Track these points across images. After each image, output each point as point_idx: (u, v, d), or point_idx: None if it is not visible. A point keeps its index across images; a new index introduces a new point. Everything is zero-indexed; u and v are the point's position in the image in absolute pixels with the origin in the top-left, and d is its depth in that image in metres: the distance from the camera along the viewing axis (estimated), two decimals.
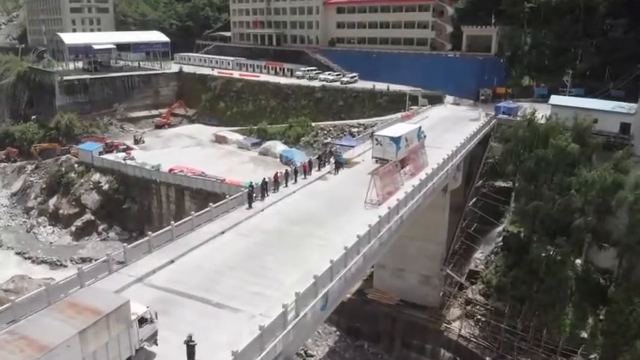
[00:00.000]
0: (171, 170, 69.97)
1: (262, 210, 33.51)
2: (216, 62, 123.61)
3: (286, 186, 38.11)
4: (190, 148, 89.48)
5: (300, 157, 76.86)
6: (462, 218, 58.06)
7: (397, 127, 47.44)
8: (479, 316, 52.39)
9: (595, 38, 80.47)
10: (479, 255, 60.52)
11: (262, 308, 21.91)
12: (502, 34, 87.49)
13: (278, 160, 79.39)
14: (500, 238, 58.97)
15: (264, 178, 36.45)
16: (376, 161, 43.18)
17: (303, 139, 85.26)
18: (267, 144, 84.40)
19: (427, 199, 39.50)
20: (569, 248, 48.21)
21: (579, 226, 45.88)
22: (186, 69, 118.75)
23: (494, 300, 51.92)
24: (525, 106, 59.11)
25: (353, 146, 45.79)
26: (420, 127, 47.34)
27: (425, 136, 49.04)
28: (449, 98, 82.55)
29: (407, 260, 52.97)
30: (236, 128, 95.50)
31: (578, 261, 50.29)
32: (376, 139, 42.64)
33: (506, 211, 61.17)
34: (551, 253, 48.77)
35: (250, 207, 33.33)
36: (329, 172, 42.15)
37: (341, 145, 46.90)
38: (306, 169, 41.04)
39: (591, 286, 49.44)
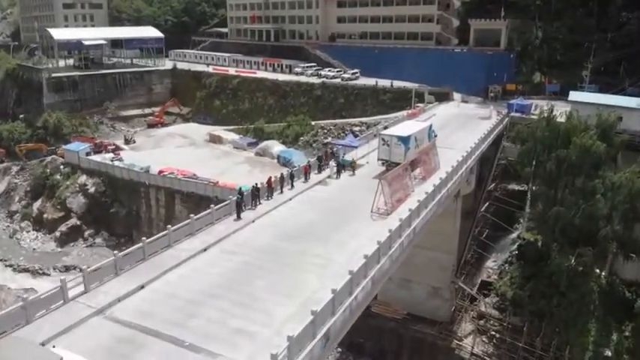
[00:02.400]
0: (160, 172, 65.60)
1: (253, 221, 28.99)
2: (212, 59, 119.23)
3: (281, 192, 33.61)
4: (183, 148, 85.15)
5: (298, 157, 72.63)
6: (474, 225, 53.57)
7: (405, 125, 42.95)
8: (493, 332, 48.13)
9: (609, 32, 76.04)
10: (491, 264, 56.16)
11: (246, 352, 17.51)
12: (512, 28, 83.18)
13: (275, 161, 75.11)
14: (515, 246, 54.66)
15: (256, 184, 32.01)
16: (382, 164, 38.79)
17: (302, 138, 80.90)
18: (264, 144, 80.00)
19: (440, 207, 35.08)
20: (592, 259, 44.05)
21: (606, 235, 41.49)
22: (181, 66, 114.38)
23: (511, 315, 47.63)
24: (541, 104, 54.67)
25: (356, 147, 41.28)
26: (430, 126, 42.93)
27: (436, 136, 44.68)
28: (457, 95, 78.13)
29: (414, 270, 48.42)
30: (232, 127, 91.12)
31: (601, 272, 46.08)
32: (382, 139, 38.17)
33: (521, 216, 56.91)
34: (573, 263, 44.59)
35: (239, 218, 28.85)
36: (329, 176, 37.69)
37: (342, 145, 42.36)
38: (307, 172, 36.66)
39: (616, 300, 45.48)
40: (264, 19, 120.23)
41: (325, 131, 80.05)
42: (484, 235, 56.54)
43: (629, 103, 47.81)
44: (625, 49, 70.67)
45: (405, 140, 37.09)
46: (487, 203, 56.56)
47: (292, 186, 34.93)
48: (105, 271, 22.46)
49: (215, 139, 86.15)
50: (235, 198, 28.93)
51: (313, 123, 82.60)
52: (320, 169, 38.62)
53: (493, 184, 58.64)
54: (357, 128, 76.22)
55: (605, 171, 43.07)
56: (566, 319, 43.42)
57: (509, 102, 65.26)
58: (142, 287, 22.00)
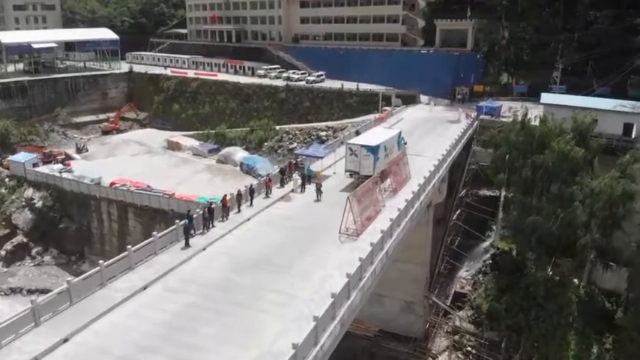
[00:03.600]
0: (112, 184, 60.95)
1: (204, 249, 25.34)
2: (171, 61, 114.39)
3: (239, 211, 30.06)
4: (139, 156, 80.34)
5: (262, 164, 69.16)
6: (446, 234, 51.08)
7: (373, 133, 39.94)
8: (469, 348, 45.70)
9: (576, 32, 74.97)
10: (464, 273, 53.85)
11: None
12: (478, 28, 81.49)
13: (238, 168, 71.36)
14: (489, 255, 52.55)
15: (209, 204, 28.39)
16: (350, 175, 35.72)
17: (266, 144, 77.35)
18: (226, 150, 76.06)
19: (413, 222, 32.19)
20: (571, 268, 42.03)
21: (586, 244, 39.43)
22: (138, 69, 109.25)
23: (487, 329, 45.31)
24: (514, 106, 52.69)
25: (321, 157, 38.03)
26: (400, 133, 40.00)
27: (405, 143, 41.89)
28: (424, 98, 75.91)
29: (386, 285, 45.06)
30: (191, 133, 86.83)
31: (579, 281, 44.15)
32: (350, 149, 35.01)
33: (494, 223, 54.80)
34: (551, 274, 42.51)
35: (187, 245, 25.20)
36: (293, 190, 34.35)
37: (307, 155, 39.01)
38: (268, 187, 33.25)
39: (595, 311, 43.57)
40: (224, 19, 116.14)
41: (290, 136, 76.69)
42: (456, 244, 54.16)
43: (604, 105, 45.98)
44: (593, 48, 69.48)
45: (373, 150, 34.08)
46: (458, 211, 54.16)
47: (252, 203, 31.51)
48: (22, 322, 18.61)
49: (173, 146, 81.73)
50: (183, 223, 25.21)
51: (278, 127, 79.16)
52: (282, 183, 35.21)
53: (464, 191, 56.34)
54: (323, 133, 73.19)
55: (583, 177, 40.98)
56: (544, 332, 41.31)
57: (479, 104, 63.24)
58: (66, 340, 18.25)
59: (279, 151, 75.17)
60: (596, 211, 40.07)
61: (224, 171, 71.17)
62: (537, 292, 41.62)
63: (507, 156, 43.54)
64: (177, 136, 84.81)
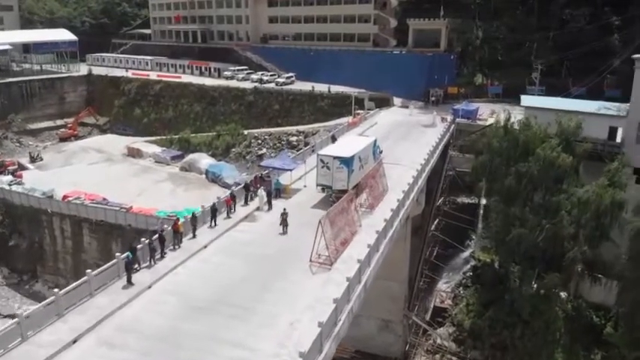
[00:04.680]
0: (65, 197, 56.23)
1: (149, 287, 21.50)
2: (133, 62, 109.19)
3: (194, 236, 26.28)
4: (97, 164, 75.42)
5: (229, 172, 65.37)
6: (425, 246, 48.17)
7: (347, 142, 36.40)
8: None
9: (552, 31, 73.23)
10: (443, 286, 51.10)
11: None
12: (451, 28, 79.08)
13: (203, 176, 67.32)
14: (469, 267, 49.95)
15: (160, 232, 24.48)
16: (322, 189, 32.32)
17: (233, 150, 73.42)
18: (190, 157, 71.85)
19: (392, 242, 28.98)
20: (558, 282, 39.55)
21: (574, 257, 36.92)
22: (98, 71, 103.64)
23: (470, 348, 42.48)
24: (496, 110, 50.20)
25: (290, 170, 34.46)
26: (375, 141, 36.73)
27: (381, 152, 38.74)
28: (397, 100, 73.16)
29: (363, 304, 42.23)
30: (153, 138, 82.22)
31: (568, 295, 41.75)
32: (321, 161, 31.52)
33: (473, 232, 52.26)
34: (535, 287, 40.01)
35: (130, 283, 21.40)
36: (259, 208, 30.74)
37: (274, 168, 35.35)
38: (230, 206, 29.54)
39: (583, 326, 41.32)
40: (189, 19, 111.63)
41: (259, 142, 72.93)
42: (434, 255, 51.34)
43: (587, 108, 43.56)
44: (569, 48, 67.61)
45: (347, 162, 30.72)
46: (436, 220, 51.34)
47: (212, 224, 27.77)
48: None
49: (134, 153, 77.04)
50: (125, 256, 21.35)
51: (246, 132, 75.29)
52: (247, 200, 31.54)
53: (441, 199, 53.54)
54: (294, 138, 69.74)
55: (570, 185, 38.49)
56: (531, 351, 38.87)
57: (454, 107, 60.59)
58: None
59: (247, 157, 71.37)
60: (584, 222, 37.70)
61: (188, 180, 67.05)
62: (522, 309, 39.18)
63: (489, 163, 40.70)
64: (139, 143, 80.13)
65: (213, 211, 28.32)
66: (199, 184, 65.11)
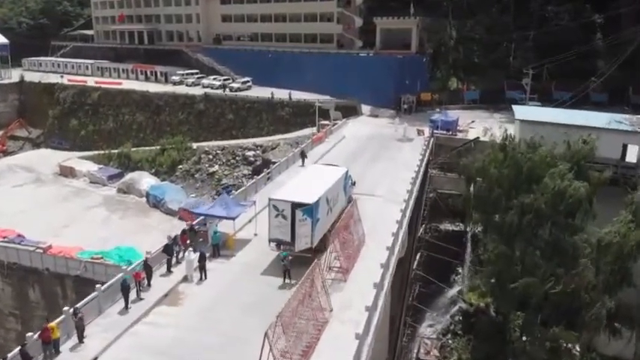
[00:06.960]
0: None
1: None
2: (72, 67, 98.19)
3: (81, 342, 17.39)
4: (24, 186, 64.96)
5: (174, 195, 56.33)
6: (407, 291, 40.30)
7: (308, 176, 27.34)
8: None
9: (531, 30, 66.94)
10: (427, 330, 43.27)
11: None
12: (422, 28, 71.75)
13: (144, 200, 57.84)
14: (456, 309, 42.37)
15: (23, 344, 15.62)
16: (277, 245, 23.82)
17: (180, 167, 64.21)
18: (130, 177, 62.36)
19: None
20: (574, 339, 32.46)
21: (598, 314, 29.63)
22: (31, 77, 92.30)
23: None
24: (475, 118, 42.80)
25: (233, 218, 25.60)
26: (346, 172, 28.46)
27: (354, 184, 30.59)
28: (365, 108, 65.48)
29: None
30: (91, 153, 72.15)
31: (583, 350, 34.66)
32: (275, 207, 23.06)
33: (459, 265, 44.80)
34: (548, 345, 32.72)
35: None
36: (187, 278, 22.04)
37: (212, 216, 26.23)
38: (140, 282, 20.70)
39: None
40: (135, 18, 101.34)
41: (211, 157, 63.95)
42: (415, 295, 43.52)
43: (596, 122, 36.30)
44: (550, 49, 61.14)
45: (311, 211, 22.29)
46: (418, 255, 43.54)
47: (127, 307, 19.07)
48: None
49: (67, 172, 66.78)
50: None
51: (195, 146, 66.18)
52: (170, 266, 22.72)
53: (422, 227, 45.83)
54: (250, 153, 61.18)
55: (585, 221, 31.22)
56: None
57: (432, 118, 53.05)
58: None
59: (196, 175, 62.32)
60: (604, 268, 30.60)
61: (125, 204, 57.55)
62: None
63: (488, 194, 33.09)
64: (73, 159, 69.84)
65: (125, 291, 19.52)
66: (138, 210, 55.77)
